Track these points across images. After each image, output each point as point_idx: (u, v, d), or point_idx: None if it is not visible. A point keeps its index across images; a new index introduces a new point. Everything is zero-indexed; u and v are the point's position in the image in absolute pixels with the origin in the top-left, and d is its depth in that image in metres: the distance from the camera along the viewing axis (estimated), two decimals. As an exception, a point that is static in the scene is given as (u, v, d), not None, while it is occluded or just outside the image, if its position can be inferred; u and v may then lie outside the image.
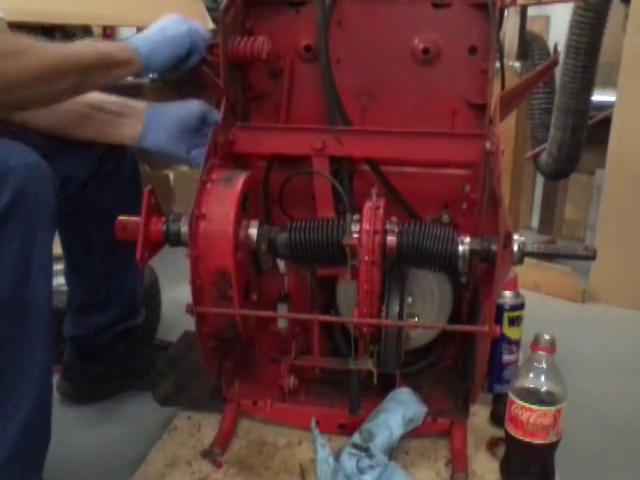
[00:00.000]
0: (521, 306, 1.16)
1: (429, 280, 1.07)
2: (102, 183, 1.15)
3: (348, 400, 1.02)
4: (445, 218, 1.08)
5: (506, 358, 1.16)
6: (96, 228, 1.16)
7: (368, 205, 0.90)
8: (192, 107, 1.08)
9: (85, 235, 1.20)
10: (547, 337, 0.93)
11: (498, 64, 1.03)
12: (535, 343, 0.93)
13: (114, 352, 1.30)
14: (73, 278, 1.26)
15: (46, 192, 0.79)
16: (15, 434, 0.77)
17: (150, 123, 1.05)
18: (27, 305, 0.78)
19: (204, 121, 1.07)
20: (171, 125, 1.05)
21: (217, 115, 1.05)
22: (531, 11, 2.04)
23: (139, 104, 1.10)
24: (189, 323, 0.94)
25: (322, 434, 0.97)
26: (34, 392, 0.80)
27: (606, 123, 1.90)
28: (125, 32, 2.63)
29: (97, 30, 2.52)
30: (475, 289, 1.03)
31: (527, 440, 0.93)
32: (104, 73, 0.94)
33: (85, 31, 2.26)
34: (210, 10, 1.94)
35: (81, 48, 0.91)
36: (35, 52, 0.83)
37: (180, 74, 1.08)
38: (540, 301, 1.90)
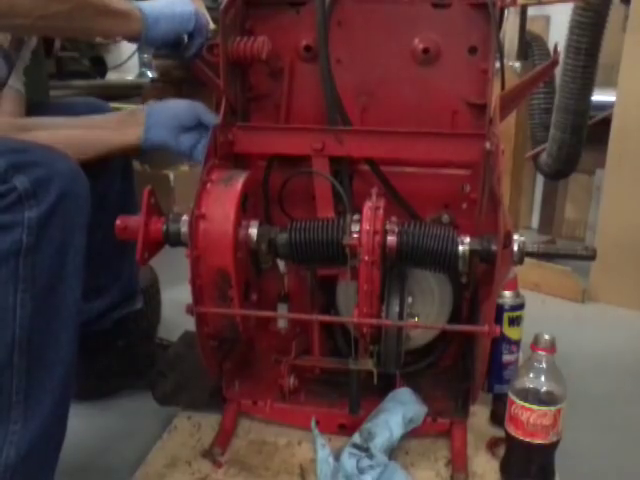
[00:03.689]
0: (521, 306, 1.16)
1: (429, 280, 1.07)
2: (96, 168, 1.16)
3: (348, 400, 1.02)
4: (445, 218, 1.07)
5: (506, 358, 1.16)
6: (93, 212, 1.18)
7: (368, 205, 0.90)
8: (186, 103, 1.09)
9: None
10: (547, 337, 0.93)
11: (498, 64, 1.03)
12: (535, 343, 0.94)
13: (115, 347, 1.31)
14: None
15: (84, 197, 0.81)
16: (35, 430, 0.78)
17: (150, 121, 1.06)
18: (58, 304, 0.79)
19: (200, 118, 1.08)
20: (169, 120, 1.06)
21: (212, 116, 1.06)
22: (531, 11, 2.04)
23: (136, 109, 1.11)
24: (189, 323, 0.94)
25: (322, 434, 0.97)
26: (56, 390, 0.80)
27: (606, 123, 1.90)
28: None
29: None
30: (475, 289, 1.04)
31: (527, 440, 0.93)
32: (102, 16, 0.93)
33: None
34: (210, 10, 1.94)
35: None
36: None
37: (179, 63, 1.08)
38: (540, 301, 1.90)
